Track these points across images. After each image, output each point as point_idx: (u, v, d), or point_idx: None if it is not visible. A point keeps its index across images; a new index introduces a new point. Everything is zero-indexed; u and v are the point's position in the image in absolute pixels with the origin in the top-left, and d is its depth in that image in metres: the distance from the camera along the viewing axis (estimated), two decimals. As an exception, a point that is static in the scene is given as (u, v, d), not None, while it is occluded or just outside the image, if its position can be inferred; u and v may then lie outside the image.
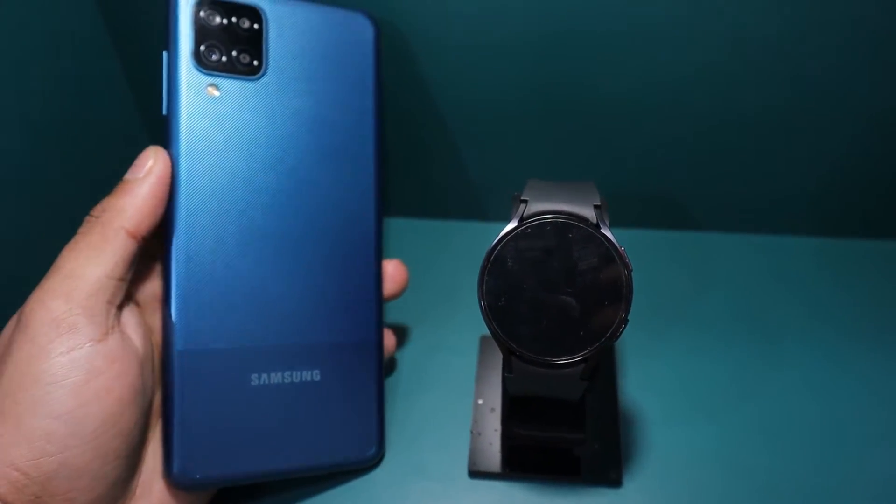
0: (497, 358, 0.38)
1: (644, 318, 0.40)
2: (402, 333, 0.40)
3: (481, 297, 0.26)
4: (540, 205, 0.26)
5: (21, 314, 0.27)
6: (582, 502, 0.33)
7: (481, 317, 0.26)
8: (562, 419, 0.32)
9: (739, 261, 0.44)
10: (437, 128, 0.42)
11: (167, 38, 0.30)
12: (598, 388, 0.37)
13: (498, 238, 0.26)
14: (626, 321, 0.26)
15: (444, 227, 0.47)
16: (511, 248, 0.26)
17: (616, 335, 0.26)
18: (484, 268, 0.26)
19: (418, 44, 0.38)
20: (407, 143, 0.43)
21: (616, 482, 0.34)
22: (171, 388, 0.29)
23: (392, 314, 0.41)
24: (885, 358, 0.39)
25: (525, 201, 0.27)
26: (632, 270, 0.26)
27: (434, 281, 0.43)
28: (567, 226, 0.26)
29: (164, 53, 0.30)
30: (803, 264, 0.44)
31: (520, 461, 0.34)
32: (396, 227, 0.47)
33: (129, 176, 0.29)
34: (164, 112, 0.30)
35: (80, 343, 0.26)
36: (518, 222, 0.26)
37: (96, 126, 0.39)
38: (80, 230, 0.28)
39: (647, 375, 0.38)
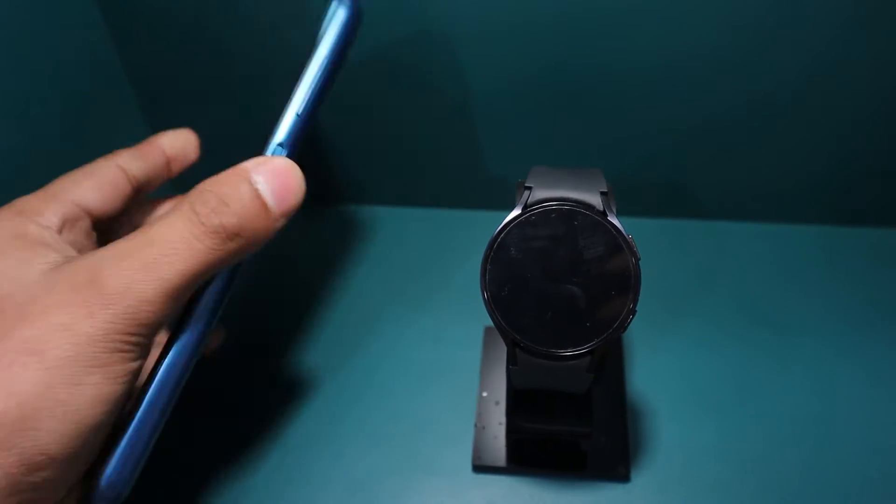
0: (502, 349, 0.37)
1: (652, 309, 0.39)
2: (404, 325, 0.39)
3: (484, 288, 0.25)
4: (545, 192, 0.26)
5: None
6: (589, 497, 0.33)
7: (484, 307, 0.25)
8: (568, 412, 0.31)
9: (748, 250, 0.43)
10: (436, 116, 0.42)
11: None
12: (605, 380, 0.36)
13: (501, 226, 0.26)
14: (633, 311, 0.25)
15: (446, 217, 0.46)
16: (515, 236, 0.25)
17: (624, 326, 0.25)
18: (487, 257, 0.25)
19: (419, 32, 0.38)
20: (406, 132, 0.43)
21: (624, 477, 0.33)
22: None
23: (395, 305, 0.40)
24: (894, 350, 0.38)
25: (529, 188, 0.26)
26: (640, 259, 0.25)
27: (438, 271, 0.43)
28: (573, 213, 0.25)
29: None
30: (812, 254, 0.43)
31: (525, 455, 0.34)
32: (397, 216, 0.46)
33: (275, 206, 0.26)
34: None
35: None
36: (522, 209, 0.25)
37: (95, 122, 0.39)
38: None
39: (656, 368, 0.37)
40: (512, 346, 0.26)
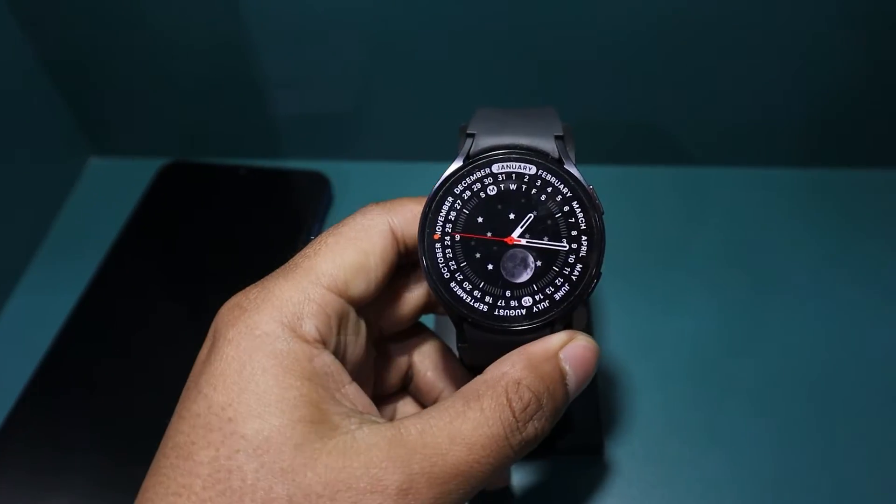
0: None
1: (622, 266, 0.37)
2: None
3: (423, 254, 0.22)
4: (490, 138, 0.23)
5: None
6: (560, 474, 0.30)
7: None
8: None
9: (722, 198, 0.40)
10: (374, 59, 0.38)
11: None
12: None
13: (440, 181, 0.22)
14: (598, 275, 0.22)
15: (391, 170, 0.43)
16: (456, 193, 0.22)
17: (586, 293, 0.22)
18: (424, 218, 0.22)
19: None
20: (341, 81, 0.39)
21: (597, 450, 0.31)
22: None
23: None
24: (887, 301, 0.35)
25: (472, 135, 0.23)
26: (604, 213, 0.22)
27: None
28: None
29: None
30: (791, 199, 0.40)
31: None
32: (337, 171, 0.42)
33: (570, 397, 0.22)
34: None
35: None
36: (464, 161, 0.22)
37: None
38: None
39: (628, 331, 0.35)
40: (458, 322, 0.22)
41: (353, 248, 0.21)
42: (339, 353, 0.21)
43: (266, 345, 0.19)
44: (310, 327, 0.20)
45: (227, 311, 0.20)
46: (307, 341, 0.19)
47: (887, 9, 0.34)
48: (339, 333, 0.21)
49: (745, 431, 0.31)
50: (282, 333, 0.19)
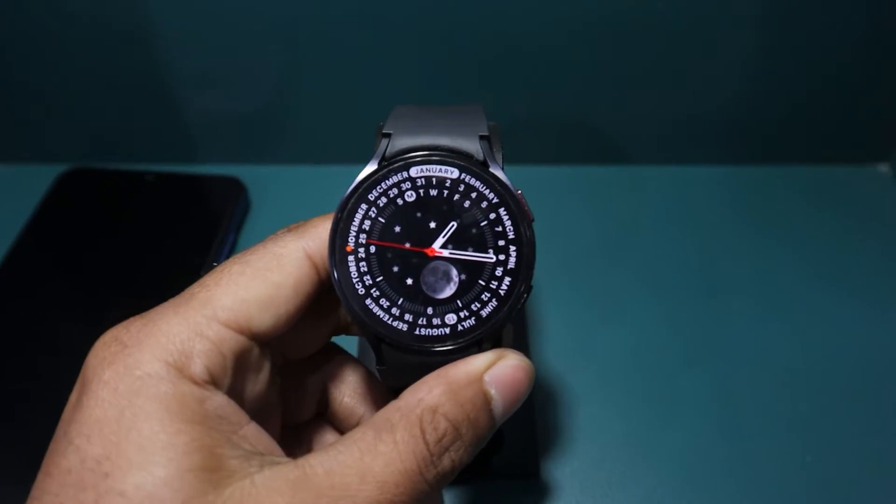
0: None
1: (561, 271, 0.35)
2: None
3: (334, 267, 0.20)
4: (408, 139, 0.21)
5: None
6: (493, 498, 0.29)
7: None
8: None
9: (668, 197, 0.40)
10: (289, 60, 0.36)
11: None
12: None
13: (352, 188, 0.20)
14: (528, 289, 0.20)
15: (308, 174, 0.41)
16: (370, 199, 0.20)
17: (515, 308, 0.20)
18: (336, 227, 0.20)
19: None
20: (256, 83, 0.37)
21: (532, 473, 0.29)
22: None
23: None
24: (841, 298, 0.35)
25: (388, 135, 0.21)
26: (534, 220, 0.20)
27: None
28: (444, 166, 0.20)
29: None
30: (737, 197, 0.40)
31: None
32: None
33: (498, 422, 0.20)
34: None
35: None
36: (378, 164, 0.20)
37: None
38: None
39: (567, 340, 0.33)
40: (376, 343, 0.20)
41: (261, 279, 0.19)
42: (237, 393, 0.18)
43: (148, 387, 0.17)
44: (199, 368, 0.17)
45: (103, 348, 0.17)
46: (196, 383, 0.17)
47: (815, 9, 0.34)
48: (235, 373, 0.18)
49: (694, 448, 0.30)
50: (167, 374, 0.17)
